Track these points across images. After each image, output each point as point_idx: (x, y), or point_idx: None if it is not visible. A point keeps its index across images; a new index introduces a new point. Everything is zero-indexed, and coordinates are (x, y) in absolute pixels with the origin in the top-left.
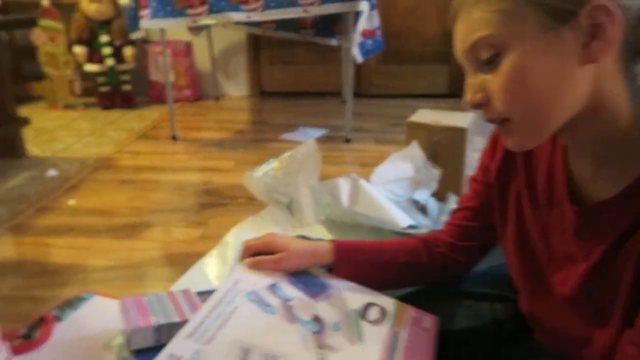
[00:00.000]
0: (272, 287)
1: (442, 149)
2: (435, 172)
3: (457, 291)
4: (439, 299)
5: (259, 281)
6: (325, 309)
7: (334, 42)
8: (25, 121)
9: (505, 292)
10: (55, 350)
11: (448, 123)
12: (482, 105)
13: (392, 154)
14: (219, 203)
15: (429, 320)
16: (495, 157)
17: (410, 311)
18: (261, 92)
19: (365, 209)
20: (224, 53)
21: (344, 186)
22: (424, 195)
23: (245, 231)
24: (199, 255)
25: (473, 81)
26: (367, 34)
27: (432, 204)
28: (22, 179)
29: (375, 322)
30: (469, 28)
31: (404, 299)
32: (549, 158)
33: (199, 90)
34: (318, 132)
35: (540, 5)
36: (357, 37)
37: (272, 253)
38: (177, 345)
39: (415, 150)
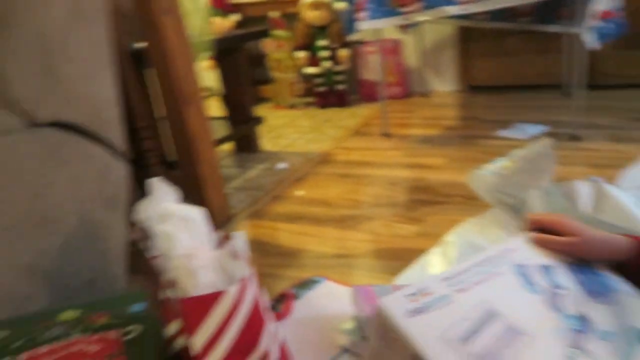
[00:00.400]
0: (545, 268)
1: None
2: None
3: None
4: None
5: (534, 257)
6: (599, 312)
7: (556, 28)
8: (260, 120)
9: None
10: (295, 324)
11: None
12: None
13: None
14: (434, 201)
15: None
16: None
17: None
18: (470, 87)
19: (613, 218)
20: (432, 48)
21: (583, 190)
22: None
23: (468, 232)
24: (416, 252)
25: None
26: (604, 16)
27: None
28: (258, 171)
29: None
30: None
31: None
32: None
33: (408, 87)
34: (537, 129)
35: None
36: (590, 20)
37: (558, 234)
38: (431, 282)
39: None
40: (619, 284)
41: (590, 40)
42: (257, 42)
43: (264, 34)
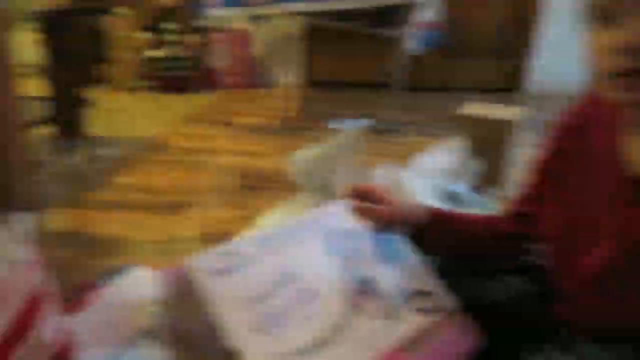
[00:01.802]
0: (350, 234)
1: (487, 141)
2: (476, 165)
3: (492, 265)
4: (470, 272)
5: (344, 223)
6: (384, 276)
7: (389, 33)
8: (88, 102)
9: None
10: (98, 313)
11: (494, 117)
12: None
13: (433, 146)
14: (260, 187)
15: (472, 339)
16: (553, 143)
17: (461, 321)
18: (311, 82)
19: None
20: (278, 42)
21: (383, 175)
22: (463, 188)
23: (282, 214)
24: (236, 235)
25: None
26: (428, 26)
27: (471, 196)
28: (81, 157)
29: (421, 311)
30: None
31: (439, 269)
32: (607, 137)
33: (252, 78)
34: (364, 123)
35: None
36: (413, 29)
37: (374, 202)
38: (243, 243)
39: (456, 142)
40: (407, 252)
41: (413, 46)
42: (98, 18)
43: (104, 10)
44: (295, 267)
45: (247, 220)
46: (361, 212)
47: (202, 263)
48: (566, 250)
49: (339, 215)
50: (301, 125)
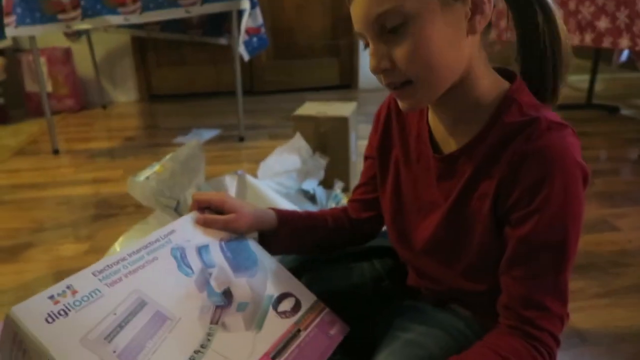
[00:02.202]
0: (201, 249)
1: (328, 138)
2: (321, 162)
3: (343, 254)
4: (321, 264)
5: (193, 238)
6: (240, 287)
7: (223, 41)
8: None
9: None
10: None
11: (332, 114)
12: (387, 70)
13: (277, 148)
14: (108, 214)
15: (338, 328)
16: (377, 131)
17: (325, 313)
18: (151, 96)
19: (255, 203)
20: (107, 58)
21: (230, 183)
22: (312, 185)
23: (132, 239)
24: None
25: (377, 49)
26: (251, 32)
27: (320, 192)
28: None
29: (283, 314)
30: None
31: (292, 267)
32: (418, 123)
33: (83, 99)
34: (212, 133)
35: None
36: (242, 35)
37: (221, 212)
38: (80, 278)
39: (299, 141)
40: (262, 257)
41: (242, 52)
42: None
43: None
44: (146, 292)
45: (99, 252)
46: (208, 223)
47: (29, 309)
48: (400, 226)
49: (186, 231)
50: (146, 142)
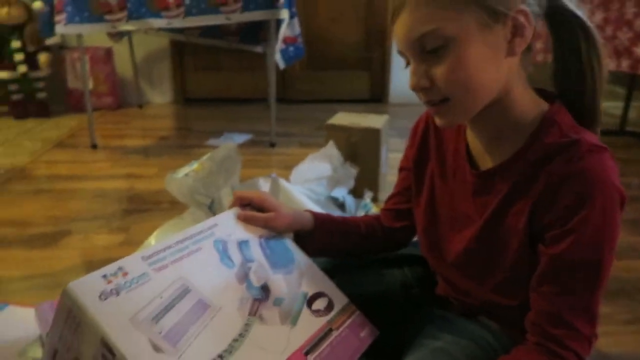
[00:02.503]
0: (242, 243)
1: (359, 148)
2: (352, 171)
3: (375, 260)
4: (352, 267)
5: (235, 232)
6: (276, 283)
7: (259, 49)
8: None
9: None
10: None
11: (364, 124)
12: (426, 88)
13: (310, 155)
14: (142, 209)
15: (368, 331)
16: (414, 144)
17: (356, 315)
18: (186, 99)
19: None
20: (146, 59)
21: (264, 185)
22: (341, 193)
23: (167, 233)
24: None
25: (418, 68)
26: (288, 41)
27: (350, 201)
28: None
29: (316, 312)
30: (417, 21)
31: (324, 268)
32: (456, 138)
33: (121, 98)
34: (243, 137)
35: (482, 6)
36: (279, 44)
37: (261, 209)
38: (129, 261)
39: (332, 150)
40: (298, 256)
41: (278, 60)
42: None
43: None
44: (190, 280)
45: (132, 244)
46: (249, 220)
47: (84, 286)
48: (433, 238)
49: (228, 225)
50: (179, 143)
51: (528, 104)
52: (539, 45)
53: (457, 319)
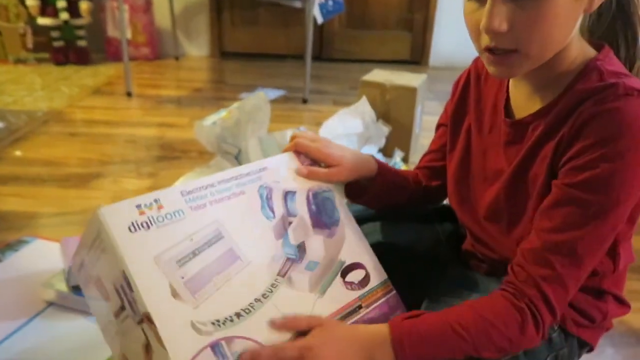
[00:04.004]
0: (287, 194)
1: (393, 107)
2: (384, 129)
3: (408, 213)
4: (384, 217)
5: (283, 180)
6: (315, 244)
7: (297, 3)
8: None
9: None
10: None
11: (400, 82)
12: (500, 33)
13: (341, 110)
14: (171, 156)
15: (398, 313)
16: (454, 98)
17: (391, 295)
18: (222, 53)
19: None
20: (185, 12)
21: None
22: (371, 151)
23: (192, 179)
24: None
25: (499, 8)
26: None
27: (380, 159)
28: None
29: (349, 284)
30: None
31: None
32: (496, 94)
33: (159, 49)
34: (277, 93)
35: None
36: None
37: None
38: (167, 194)
39: (365, 106)
40: (345, 219)
41: (317, 14)
42: None
43: None
44: (226, 225)
45: (153, 189)
46: (309, 176)
47: (116, 213)
48: (464, 194)
49: (278, 171)
50: (213, 95)
51: (576, 54)
52: None
53: (481, 278)
